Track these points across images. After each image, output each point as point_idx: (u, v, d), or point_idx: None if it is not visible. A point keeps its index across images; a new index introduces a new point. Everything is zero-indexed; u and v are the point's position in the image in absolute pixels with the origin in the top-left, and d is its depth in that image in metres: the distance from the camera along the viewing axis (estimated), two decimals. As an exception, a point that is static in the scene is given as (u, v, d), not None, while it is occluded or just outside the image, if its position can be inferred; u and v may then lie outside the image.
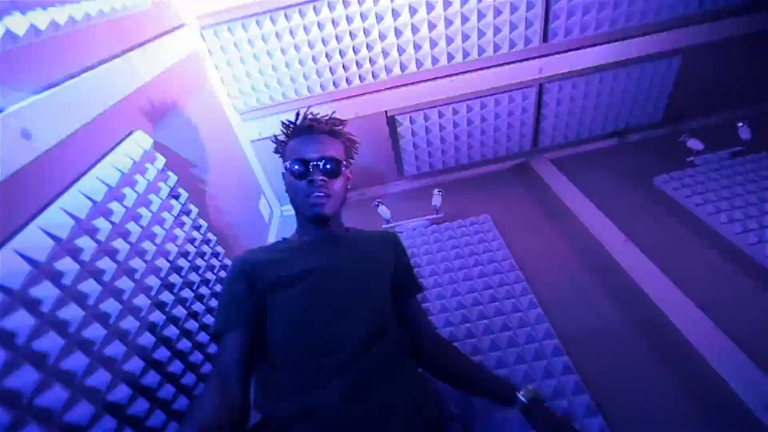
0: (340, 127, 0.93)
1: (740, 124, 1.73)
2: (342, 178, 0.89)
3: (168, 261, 0.95)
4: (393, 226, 1.77)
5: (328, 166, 0.85)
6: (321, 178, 0.84)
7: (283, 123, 0.93)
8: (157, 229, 0.95)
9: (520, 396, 0.81)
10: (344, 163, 0.90)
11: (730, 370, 1.02)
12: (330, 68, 1.64)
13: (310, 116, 0.90)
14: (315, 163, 0.84)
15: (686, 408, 0.99)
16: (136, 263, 0.85)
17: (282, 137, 0.95)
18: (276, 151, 0.97)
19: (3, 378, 0.53)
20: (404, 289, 0.95)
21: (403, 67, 1.68)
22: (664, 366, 1.08)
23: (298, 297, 0.79)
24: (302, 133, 0.90)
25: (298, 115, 0.92)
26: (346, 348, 0.75)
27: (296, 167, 0.85)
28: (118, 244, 0.81)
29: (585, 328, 1.21)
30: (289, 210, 2.10)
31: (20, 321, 0.57)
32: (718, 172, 1.68)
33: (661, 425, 0.97)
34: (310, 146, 0.86)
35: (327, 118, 0.92)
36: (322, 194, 0.84)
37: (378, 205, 1.71)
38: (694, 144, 1.77)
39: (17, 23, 0.68)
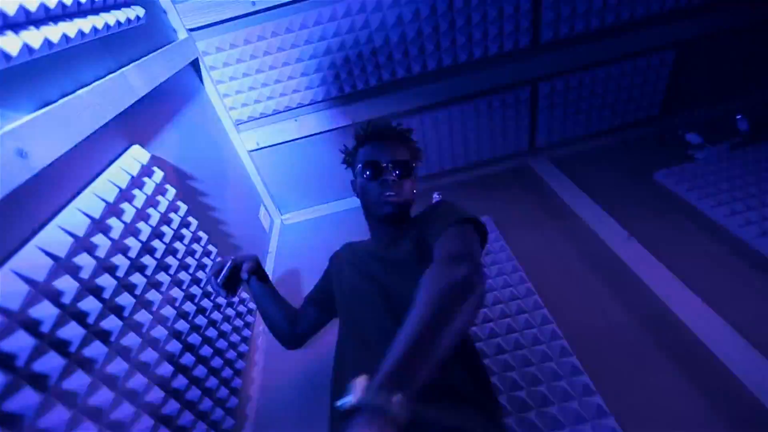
0: (407, 134, 0.99)
1: (738, 116, 1.73)
2: (411, 180, 0.94)
3: (169, 275, 0.95)
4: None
5: (399, 168, 0.90)
6: (393, 178, 0.89)
7: (355, 131, 1.00)
8: (157, 243, 0.94)
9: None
10: (413, 164, 0.95)
11: (739, 364, 1.01)
12: (324, 76, 1.65)
13: (381, 123, 0.98)
14: (387, 164, 0.90)
15: (697, 403, 0.97)
16: (136, 279, 0.84)
17: (350, 147, 1.02)
18: (344, 162, 1.04)
19: (3, 401, 0.52)
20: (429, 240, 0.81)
21: (395, 72, 1.68)
22: (673, 362, 1.07)
23: (351, 309, 0.88)
24: (373, 139, 0.95)
25: (368, 123, 0.98)
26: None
27: (370, 170, 0.91)
28: (118, 260, 0.80)
29: (591, 328, 1.20)
30: (290, 218, 2.09)
31: (20, 342, 0.56)
32: (718, 164, 1.67)
33: (672, 421, 0.96)
34: (382, 150, 0.92)
35: (396, 125, 0.99)
36: (393, 193, 0.89)
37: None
38: (693, 138, 1.77)
39: (10, 43, 0.68)
